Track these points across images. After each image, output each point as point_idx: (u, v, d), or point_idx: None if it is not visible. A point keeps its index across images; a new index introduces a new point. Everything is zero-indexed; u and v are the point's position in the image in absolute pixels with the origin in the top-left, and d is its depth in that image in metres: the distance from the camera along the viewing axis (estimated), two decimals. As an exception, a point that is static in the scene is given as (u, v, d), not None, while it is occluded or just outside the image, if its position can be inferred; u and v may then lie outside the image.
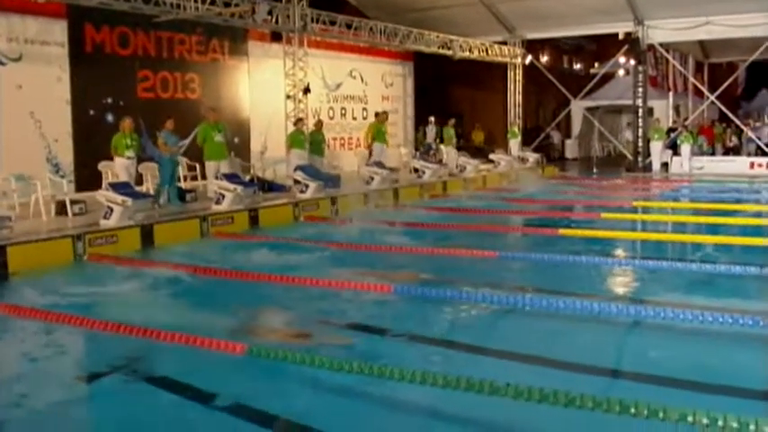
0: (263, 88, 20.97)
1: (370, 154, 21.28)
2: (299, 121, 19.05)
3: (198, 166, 17.91)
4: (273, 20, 18.74)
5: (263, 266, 10.98)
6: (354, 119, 25.36)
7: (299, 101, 19.42)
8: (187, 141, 15.97)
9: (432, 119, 26.79)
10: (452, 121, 25.07)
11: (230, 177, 15.39)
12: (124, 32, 17.65)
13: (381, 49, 25.49)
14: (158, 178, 15.66)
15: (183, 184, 17.24)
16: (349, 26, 21.64)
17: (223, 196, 14.90)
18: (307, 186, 16.96)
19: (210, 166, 16.29)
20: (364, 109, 25.78)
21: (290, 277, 9.97)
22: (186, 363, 6.83)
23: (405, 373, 5.85)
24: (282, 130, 19.60)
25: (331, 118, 24.00)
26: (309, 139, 19.30)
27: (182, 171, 17.73)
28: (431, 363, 6.80)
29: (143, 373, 6.78)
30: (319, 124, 20.25)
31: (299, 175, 17.23)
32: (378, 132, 21.75)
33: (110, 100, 17.42)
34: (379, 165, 19.92)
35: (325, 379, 6.31)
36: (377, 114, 22.41)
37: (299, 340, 7.33)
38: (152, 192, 15.44)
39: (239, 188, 15.07)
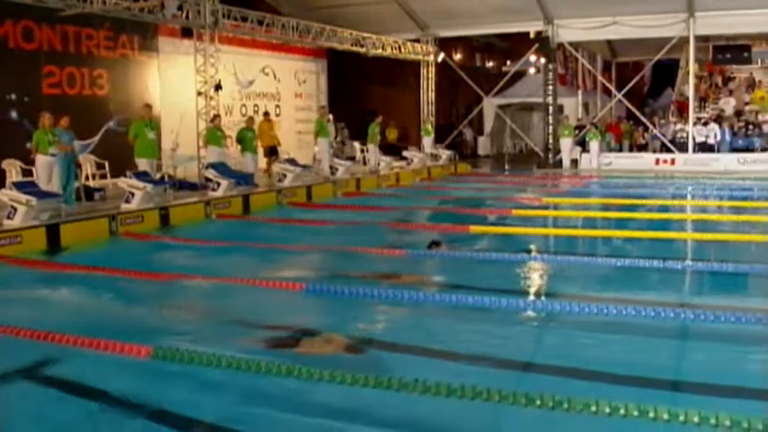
0: (174, 85, 20.62)
1: (266, 154, 21.19)
2: (215, 117, 18.78)
3: (107, 164, 17.56)
4: (184, 15, 18.43)
5: (173, 266, 10.84)
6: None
7: (211, 98, 19.16)
8: (96, 139, 15.63)
9: (330, 116, 26.68)
10: (379, 119, 24.97)
11: (140, 175, 15.13)
12: (28, 26, 17.11)
13: (294, 46, 25.33)
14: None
15: (90, 183, 16.88)
16: (261, 23, 21.43)
17: (132, 195, 14.64)
18: (218, 184, 16.79)
19: (142, 163, 15.95)
20: (277, 106, 25.62)
21: (201, 276, 9.88)
22: (90, 367, 6.67)
23: (313, 372, 5.85)
24: (194, 128, 19.32)
25: (243, 115, 23.72)
26: (240, 137, 19.13)
27: (90, 169, 17.36)
28: (341, 361, 6.78)
29: (44, 378, 6.59)
30: (250, 121, 20.07)
31: (211, 173, 17.05)
32: (321, 128, 21.69)
33: (13, 96, 16.86)
34: (292, 162, 19.86)
35: (232, 380, 6.25)
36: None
37: (350, 352, 7.09)
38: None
39: (149, 186, 14.84)
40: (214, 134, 18.30)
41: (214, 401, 6.02)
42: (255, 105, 24.55)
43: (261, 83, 25.01)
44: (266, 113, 22.34)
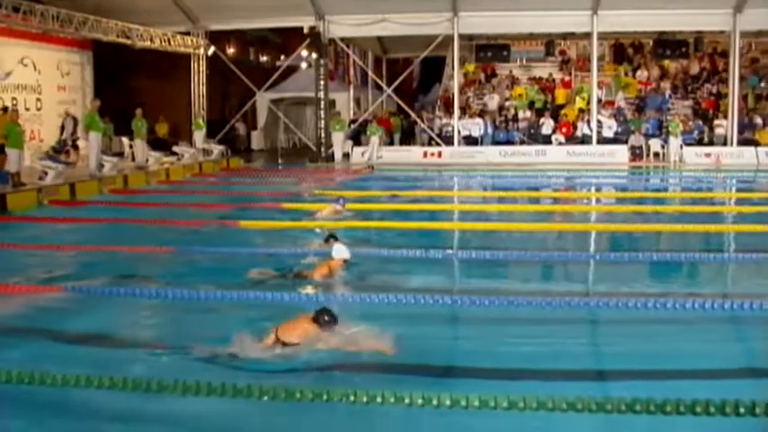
0: None
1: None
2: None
3: None
4: (-76, -1, 17.05)
5: None
6: (27, 110, 23.77)
7: (-39, 90, 17.93)
8: None
9: (70, 110, 25.61)
10: (140, 112, 24.06)
11: None
12: None
13: (57, 36, 24.09)
14: None
15: None
16: (17, 10, 20.14)
17: None
18: (-32, 184, 15.76)
19: None
20: (38, 99, 24.37)
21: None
22: None
23: (80, 378, 5.62)
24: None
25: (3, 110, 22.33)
26: (5, 132, 17.90)
27: None
28: (104, 363, 6.56)
29: None
30: (15, 114, 18.83)
31: (-40, 172, 15.98)
32: (92, 122, 20.55)
33: None
34: (54, 159, 18.97)
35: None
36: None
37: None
38: None
39: None
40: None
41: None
42: (14, 99, 23.17)
43: (19, 74, 23.67)
44: (5, 108, 21.03)
